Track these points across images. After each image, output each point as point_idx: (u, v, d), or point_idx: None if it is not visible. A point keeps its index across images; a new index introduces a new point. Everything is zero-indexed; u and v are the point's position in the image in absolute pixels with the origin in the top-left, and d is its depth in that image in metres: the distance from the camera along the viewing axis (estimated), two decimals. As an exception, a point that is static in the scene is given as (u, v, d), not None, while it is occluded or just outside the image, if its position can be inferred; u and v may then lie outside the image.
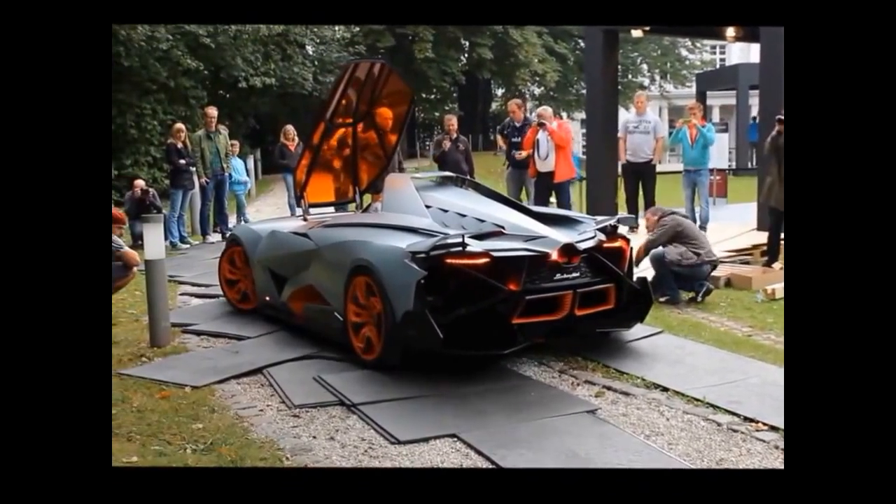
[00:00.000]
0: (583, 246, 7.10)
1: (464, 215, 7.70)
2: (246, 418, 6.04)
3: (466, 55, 41.03)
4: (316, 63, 32.28)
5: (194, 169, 14.82)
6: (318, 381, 6.72)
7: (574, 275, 7.04)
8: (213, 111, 15.64)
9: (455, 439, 5.54)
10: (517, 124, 13.91)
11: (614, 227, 7.51)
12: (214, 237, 15.34)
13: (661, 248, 9.32)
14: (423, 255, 6.57)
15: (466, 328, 6.62)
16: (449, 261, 6.52)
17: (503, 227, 7.31)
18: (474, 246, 6.65)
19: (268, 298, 8.64)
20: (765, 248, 11.83)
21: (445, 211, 7.75)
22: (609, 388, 6.54)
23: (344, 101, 9.01)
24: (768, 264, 10.82)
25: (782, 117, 9.47)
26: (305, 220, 8.94)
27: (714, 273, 9.98)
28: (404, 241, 6.89)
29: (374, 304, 6.92)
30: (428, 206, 7.69)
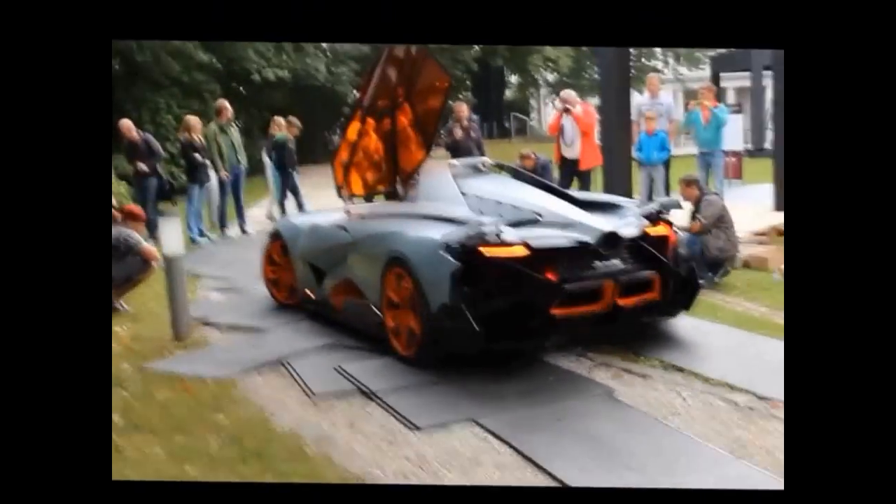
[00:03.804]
0: (625, 233, 6.90)
1: (501, 203, 7.50)
2: (267, 409, 6.11)
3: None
4: (328, 54, 32.30)
5: (209, 163, 14.82)
6: (337, 371, 6.78)
7: (615, 263, 6.86)
8: (227, 104, 15.65)
9: (474, 424, 5.59)
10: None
11: (658, 213, 7.30)
12: (233, 231, 15.38)
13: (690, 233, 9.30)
14: (457, 246, 6.46)
15: (504, 320, 6.43)
16: (484, 251, 6.39)
17: (540, 215, 7.18)
18: (510, 235, 6.51)
19: (309, 293, 8.59)
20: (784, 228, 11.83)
21: (482, 199, 7.57)
22: (626, 371, 6.58)
23: (382, 85, 8.72)
24: None
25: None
26: (347, 212, 8.79)
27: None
28: (439, 232, 6.75)
29: (410, 297, 6.83)
30: (464, 194, 7.57)
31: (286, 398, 6.35)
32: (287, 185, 16.05)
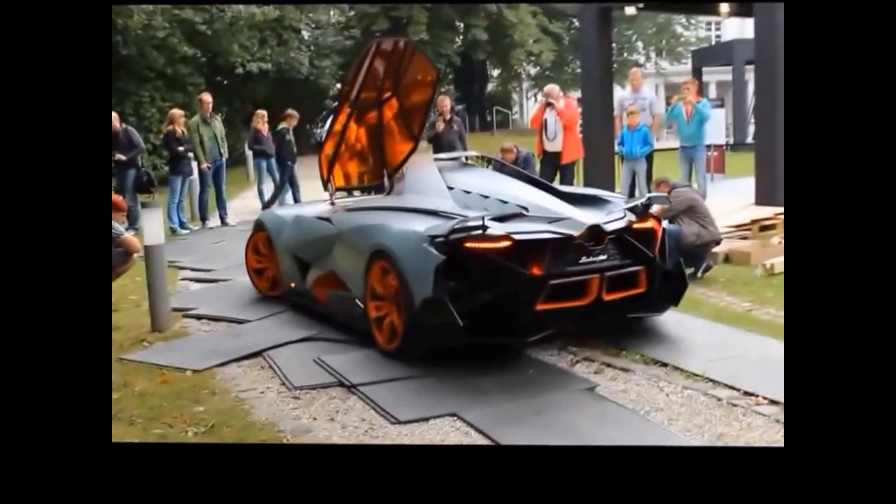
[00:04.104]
0: (610, 227, 6.79)
1: (487, 196, 7.40)
2: (246, 401, 6.08)
3: (461, 36, 40.91)
4: (311, 48, 32.26)
5: (192, 155, 14.80)
6: (318, 363, 6.74)
7: (601, 258, 6.73)
8: (208, 97, 15.61)
9: (455, 418, 5.57)
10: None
11: (645, 207, 7.19)
12: (214, 222, 15.33)
13: (674, 224, 9.21)
14: (441, 239, 6.39)
15: (488, 315, 6.39)
16: (469, 244, 6.31)
17: (526, 209, 7.08)
18: (495, 228, 6.41)
19: (293, 285, 8.52)
20: (765, 223, 11.86)
21: (468, 192, 7.48)
22: (608, 365, 6.56)
23: (369, 78, 8.62)
24: None
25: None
26: (332, 204, 8.73)
27: (713, 249, 10.02)
28: (424, 225, 6.70)
29: (394, 291, 6.77)
30: (450, 188, 7.49)
31: (266, 390, 6.31)
32: (285, 177, 15.98)
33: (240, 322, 8.19)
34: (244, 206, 16.99)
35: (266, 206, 15.44)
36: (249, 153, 18.22)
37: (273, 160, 16.30)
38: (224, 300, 9.12)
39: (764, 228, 11.88)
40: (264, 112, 16.81)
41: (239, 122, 26.48)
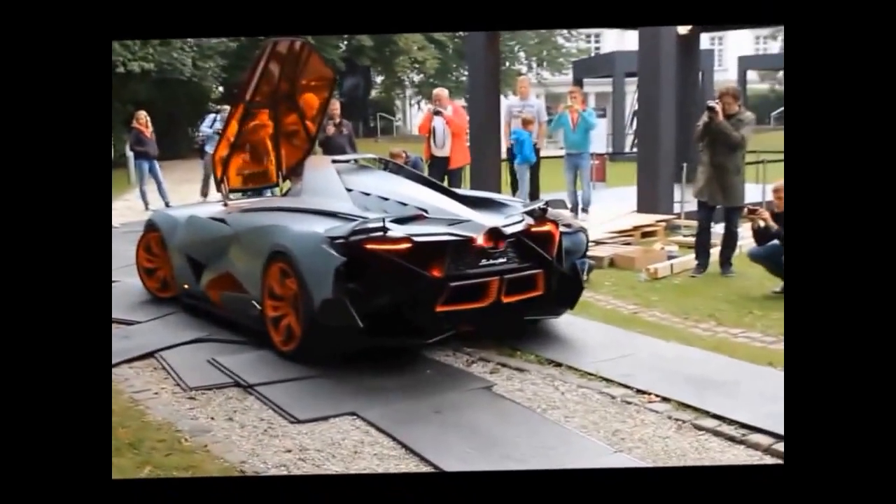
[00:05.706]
0: (510, 230, 6.87)
1: (386, 198, 7.39)
2: (141, 401, 5.98)
3: (346, 42, 40.86)
4: (195, 48, 31.79)
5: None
6: (212, 364, 6.69)
7: (501, 260, 6.81)
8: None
9: (355, 417, 5.59)
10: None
11: (543, 211, 7.27)
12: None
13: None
14: (341, 241, 6.37)
15: (388, 317, 6.42)
16: (369, 246, 6.31)
17: (426, 211, 7.08)
18: (395, 231, 6.43)
19: (186, 286, 8.39)
20: (647, 229, 12.19)
21: (367, 194, 7.47)
22: (503, 365, 6.65)
23: (265, 79, 8.49)
24: (699, 268, 10.05)
25: (713, 104, 9.53)
26: (225, 205, 8.60)
27: (598, 253, 10.23)
28: (323, 226, 6.67)
29: (292, 292, 6.73)
30: (349, 190, 7.45)
31: (160, 391, 6.23)
32: None
33: (129, 323, 8.04)
34: (126, 206, 16.65)
35: None
36: (131, 154, 17.88)
37: (155, 162, 16.12)
38: (113, 301, 8.94)
39: (646, 235, 12.21)
40: (143, 112, 16.63)
41: (119, 123, 25.92)
